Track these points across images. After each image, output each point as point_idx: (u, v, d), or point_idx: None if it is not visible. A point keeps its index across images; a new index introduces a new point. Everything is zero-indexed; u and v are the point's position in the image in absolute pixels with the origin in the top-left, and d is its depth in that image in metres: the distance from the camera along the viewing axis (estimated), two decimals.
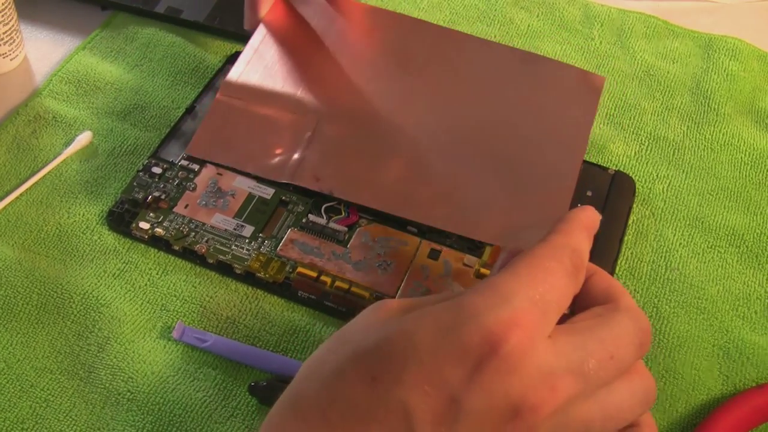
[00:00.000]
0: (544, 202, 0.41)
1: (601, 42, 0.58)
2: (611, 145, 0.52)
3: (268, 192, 0.47)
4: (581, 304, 0.33)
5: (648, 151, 0.52)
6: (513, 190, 0.41)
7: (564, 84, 0.46)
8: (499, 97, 0.45)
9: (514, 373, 0.29)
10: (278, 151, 0.43)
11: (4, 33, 0.53)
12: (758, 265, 0.47)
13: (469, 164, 0.42)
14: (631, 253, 0.47)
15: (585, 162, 0.49)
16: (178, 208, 0.46)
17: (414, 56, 0.47)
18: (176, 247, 0.45)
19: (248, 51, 0.47)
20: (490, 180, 0.42)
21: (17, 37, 0.55)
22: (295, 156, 0.43)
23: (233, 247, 0.45)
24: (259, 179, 0.47)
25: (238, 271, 0.44)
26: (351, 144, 0.43)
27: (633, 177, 0.49)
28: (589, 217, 0.35)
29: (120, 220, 0.46)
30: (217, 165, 0.45)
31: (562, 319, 0.32)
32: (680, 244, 0.47)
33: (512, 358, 0.29)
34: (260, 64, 0.47)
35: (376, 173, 0.42)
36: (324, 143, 0.43)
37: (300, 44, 0.48)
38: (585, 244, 0.34)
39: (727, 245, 0.47)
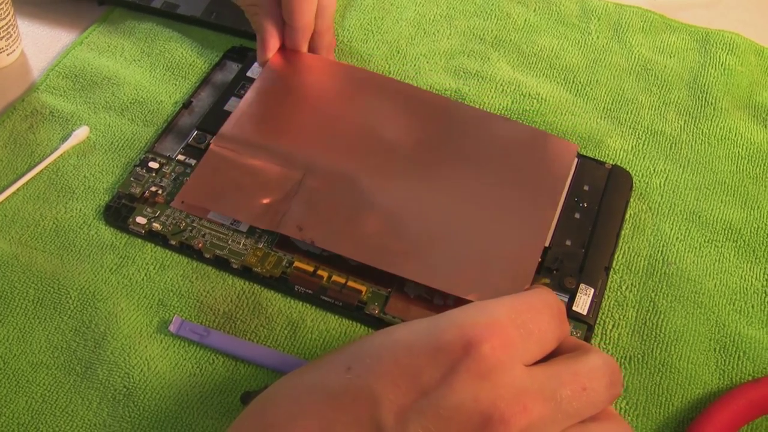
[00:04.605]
0: (513, 260, 0.43)
1: (598, 36, 0.58)
2: (608, 139, 0.52)
3: None
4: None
5: (645, 146, 0.52)
6: (484, 248, 0.44)
7: (539, 150, 0.48)
8: (476, 159, 0.48)
9: (487, 379, 0.30)
10: (265, 201, 0.45)
11: (0, 28, 0.53)
12: (755, 259, 0.47)
13: (444, 221, 0.45)
14: (628, 248, 0.47)
15: (582, 156, 0.49)
16: (175, 203, 0.46)
17: (397, 118, 0.50)
18: (173, 242, 0.45)
19: (243, 105, 0.50)
20: (462, 237, 0.44)
21: (14, 32, 0.55)
22: (281, 207, 0.45)
23: (230, 241, 0.45)
24: None
25: (234, 266, 0.44)
26: (333, 198, 0.46)
27: (630, 171, 0.49)
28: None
29: (117, 214, 0.46)
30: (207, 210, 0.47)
31: None
32: (677, 238, 0.47)
33: (486, 363, 0.30)
34: (253, 117, 0.49)
35: (355, 226, 0.44)
36: (308, 196, 0.46)
37: (292, 100, 0.50)
38: (561, 303, 0.35)
39: (724, 239, 0.47)
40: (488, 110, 0.53)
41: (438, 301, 0.43)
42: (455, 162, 0.48)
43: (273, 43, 0.51)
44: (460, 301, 0.42)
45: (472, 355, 0.30)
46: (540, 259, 0.44)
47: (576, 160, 0.49)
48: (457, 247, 0.44)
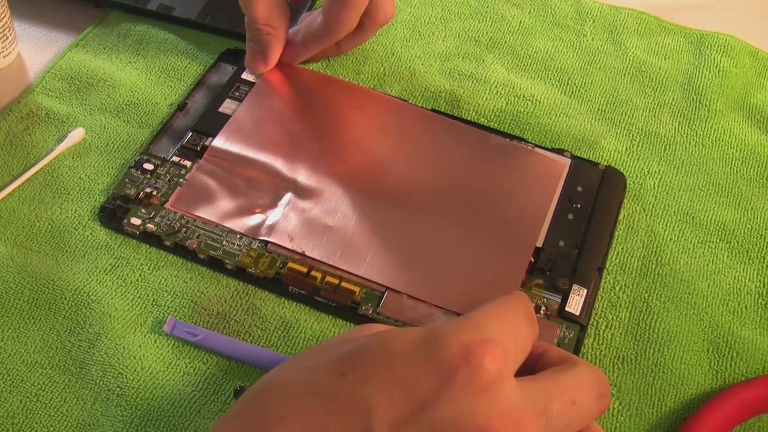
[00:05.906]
0: (499, 274, 0.44)
1: (593, 38, 0.58)
2: (602, 140, 0.52)
3: None
4: (540, 370, 0.34)
5: (639, 147, 0.52)
6: (471, 262, 0.44)
7: (528, 167, 0.49)
8: (467, 175, 0.48)
9: (486, 394, 0.30)
10: (257, 211, 0.46)
11: None
12: (749, 260, 0.47)
13: (433, 236, 0.45)
14: (622, 249, 0.47)
15: (576, 157, 0.50)
16: (169, 206, 0.47)
17: (390, 133, 0.50)
18: (167, 243, 0.45)
19: (236, 116, 0.50)
20: (450, 251, 0.45)
21: (10, 34, 0.55)
22: (272, 216, 0.46)
23: (224, 242, 0.45)
24: None
25: (229, 267, 0.44)
26: (323, 209, 0.46)
27: (624, 172, 0.49)
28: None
29: (112, 215, 0.46)
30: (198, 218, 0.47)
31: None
32: (671, 239, 0.47)
33: (486, 376, 0.30)
34: (246, 129, 0.50)
35: (344, 237, 0.45)
36: (300, 206, 0.46)
37: (284, 114, 0.51)
38: (532, 307, 0.35)
39: (718, 240, 0.47)
40: (483, 112, 0.53)
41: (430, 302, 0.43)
42: (444, 177, 0.48)
43: (275, 58, 0.52)
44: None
45: (474, 369, 0.30)
46: (533, 260, 0.45)
47: (564, 174, 0.49)
48: (445, 260, 0.44)
